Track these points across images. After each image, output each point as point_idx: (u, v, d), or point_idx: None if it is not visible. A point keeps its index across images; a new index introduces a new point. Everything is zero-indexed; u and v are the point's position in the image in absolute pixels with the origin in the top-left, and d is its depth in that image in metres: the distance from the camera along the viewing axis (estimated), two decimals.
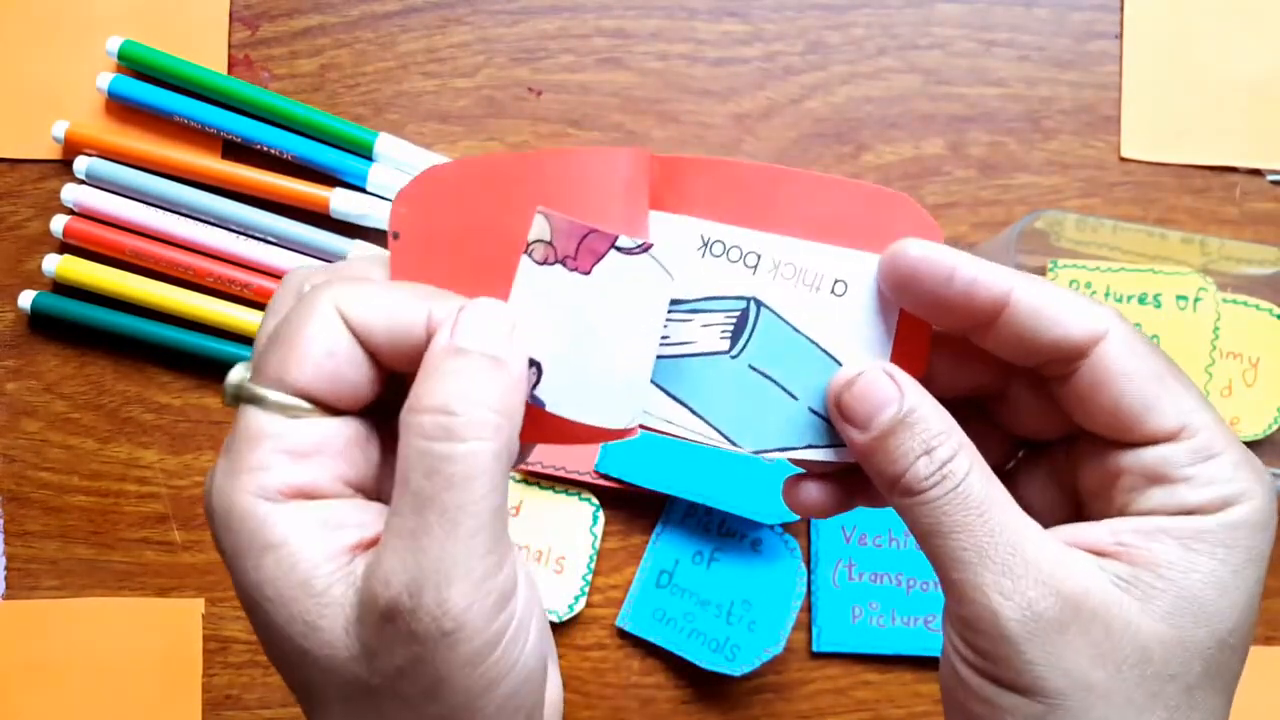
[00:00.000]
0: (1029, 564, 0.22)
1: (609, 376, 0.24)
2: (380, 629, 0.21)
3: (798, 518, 0.46)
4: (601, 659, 0.47)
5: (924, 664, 0.47)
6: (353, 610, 0.22)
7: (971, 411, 0.25)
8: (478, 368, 0.22)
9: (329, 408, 0.23)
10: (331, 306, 0.23)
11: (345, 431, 0.23)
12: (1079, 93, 0.49)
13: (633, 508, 0.48)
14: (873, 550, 0.47)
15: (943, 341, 0.25)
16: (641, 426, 0.25)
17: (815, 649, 0.47)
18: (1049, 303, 0.22)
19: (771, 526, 0.46)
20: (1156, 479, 0.23)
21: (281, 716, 0.47)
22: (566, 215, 0.23)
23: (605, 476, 0.47)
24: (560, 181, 0.24)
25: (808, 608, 0.47)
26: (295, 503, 0.22)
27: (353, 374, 0.23)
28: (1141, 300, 0.45)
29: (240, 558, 0.22)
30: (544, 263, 0.24)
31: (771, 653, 0.45)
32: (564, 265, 0.23)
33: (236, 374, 0.23)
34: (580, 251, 0.23)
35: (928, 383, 0.24)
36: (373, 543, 0.22)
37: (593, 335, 0.24)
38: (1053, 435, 0.25)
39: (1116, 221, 0.44)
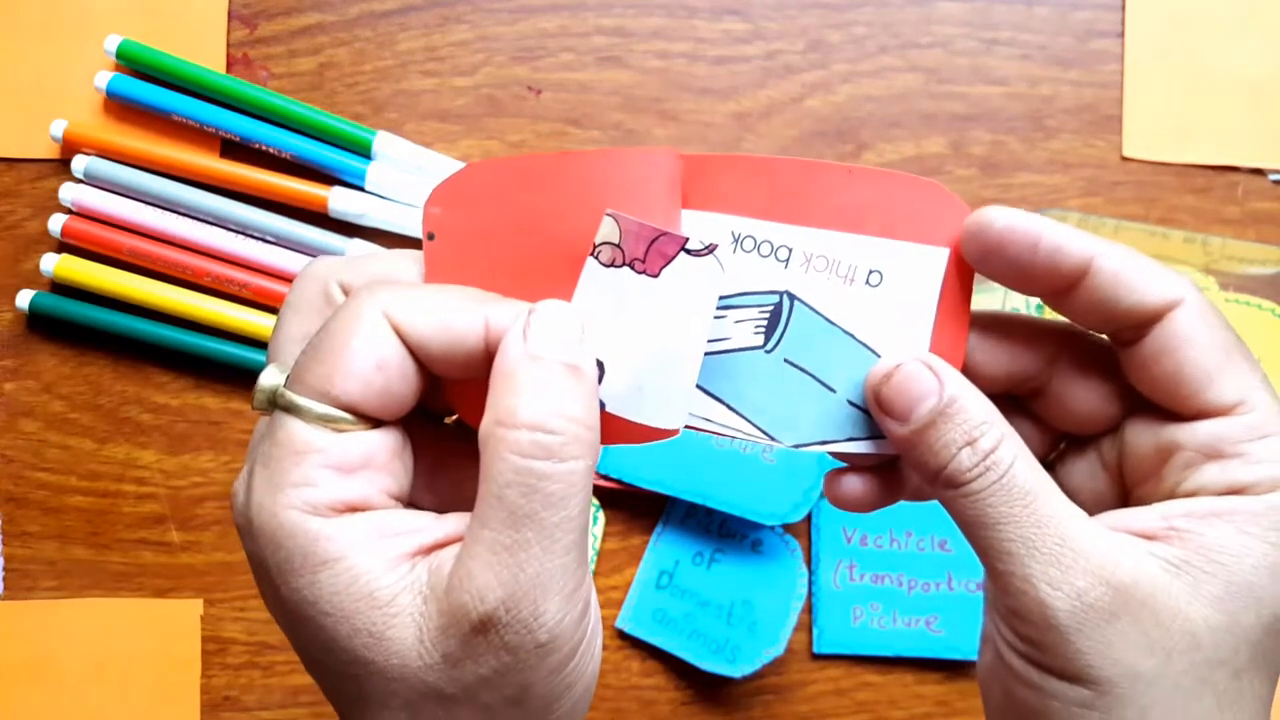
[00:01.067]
0: (1077, 554, 0.21)
1: (663, 376, 0.24)
2: (469, 641, 0.21)
3: (798, 518, 0.46)
4: (602, 659, 0.47)
5: (925, 665, 0.47)
6: (426, 620, 0.21)
7: (1012, 407, 0.25)
8: (561, 378, 0.22)
9: (371, 419, 0.22)
10: (380, 314, 0.22)
11: (388, 443, 0.23)
12: (1080, 92, 0.49)
13: (633, 508, 0.47)
14: (874, 551, 0.46)
15: (982, 331, 0.25)
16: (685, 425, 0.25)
17: (816, 650, 0.46)
18: (1129, 268, 0.22)
19: (772, 527, 0.46)
20: (1211, 454, 0.22)
21: (280, 717, 0.47)
22: (636, 218, 0.23)
23: (605, 477, 0.47)
24: (601, 182, 0.24)
25: (808, 609, 0.47)
26: (346, 516, 0.22)
27: (401, 386, 0.22)
28: None
29: (291, 575, 0.21)
30: (611, 265, 0.23)
31: (772, 654, 0.45)
32: (632, 268, 0.23)
33: (270, 379, 0.23)
34: (650, 254, 0.23)
35: (968, 374, 0.24)
36: (432, 548, 0.22)
37: (650, 335, 0.24)
38: (1097, 428, 0.25)
39: (1118, 221, 0.43)
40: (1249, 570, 0.22)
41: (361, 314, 0.22)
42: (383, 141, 0.47)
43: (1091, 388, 0.24)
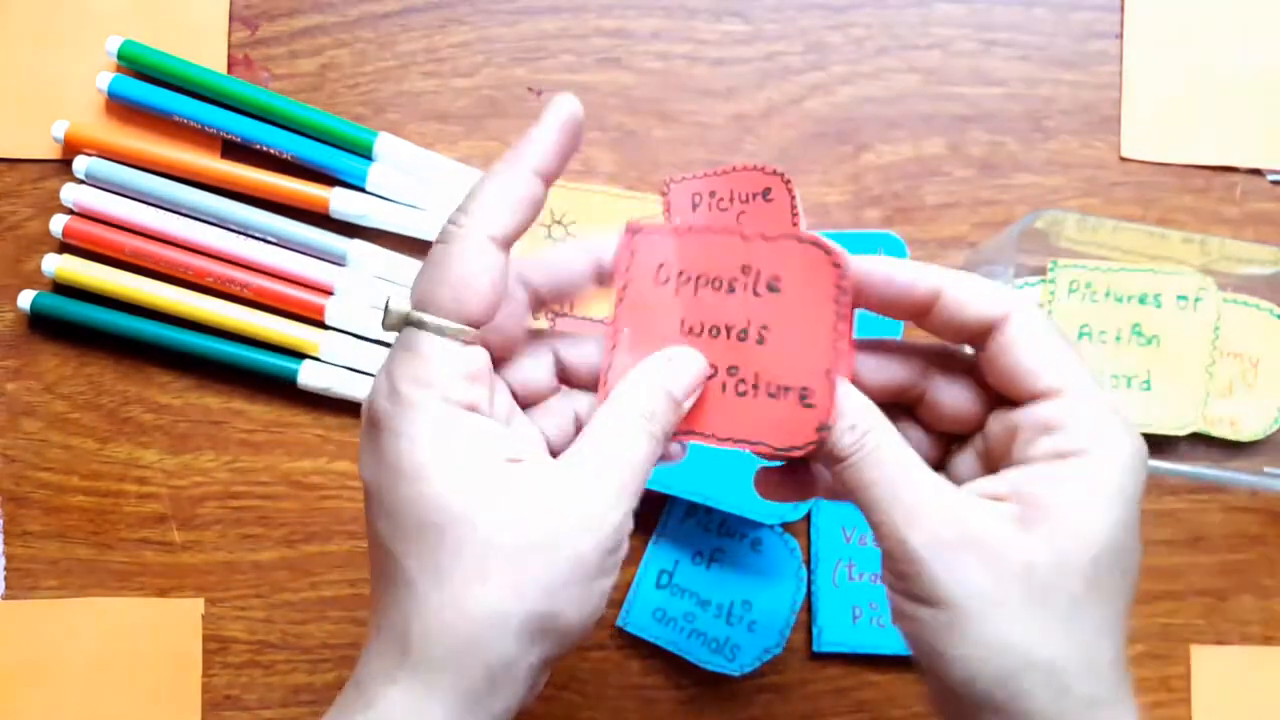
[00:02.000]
0: (934, 504, 0.27)
1: None
2: None
3: (798, 517, 0.46)
4: (602, 659, 0.47)
5: None
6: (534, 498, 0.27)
7: (902, 415, 0.31)
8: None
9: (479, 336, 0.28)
10: (486, 239, 0.27)
11: (487, 361, 0.28)
12: (1079, 93, 0.49)
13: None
14: (873, 551, 0.47)
15: (868, 351, 0.31)
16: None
17: (815, 649, 0.47)
18: (968, 291, 0.28)
19: (771, 526, 0.46)
20: (1042, 429, 0.27)
21: (281, 716, 0.47)
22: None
23: None
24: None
25: (808, 608, 0.47)
26: (469, 413, 0.27)
27: (501, 297, 0.28)
28: (1142, 300, 0.45)
29: (427, 443, 0.26)
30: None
31: (772, 653, 0.45)
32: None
33: (399, 303, 0.28)
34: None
35: (857, 383, 0.29)
36: (516, 452, 0.28)
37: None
38: (969, 426, 0.31)
39: (1117, 221, 0.43)
40: (1068, 513, 0.26)
41: (473, 244, 0.27)
42: (384, 143, 0.47)
43: (958, 392, 0.30)
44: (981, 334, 0.28)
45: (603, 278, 0.32)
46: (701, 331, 0.31)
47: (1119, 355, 0.44)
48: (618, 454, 0.28)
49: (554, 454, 0.30)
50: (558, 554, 0.26)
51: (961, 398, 0.30)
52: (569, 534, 0.27)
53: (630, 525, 0.29)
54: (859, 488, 0.28)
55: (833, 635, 0.46)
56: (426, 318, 0.27)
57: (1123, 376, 0.44)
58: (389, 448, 0.27)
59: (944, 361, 0.31)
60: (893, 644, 0.46)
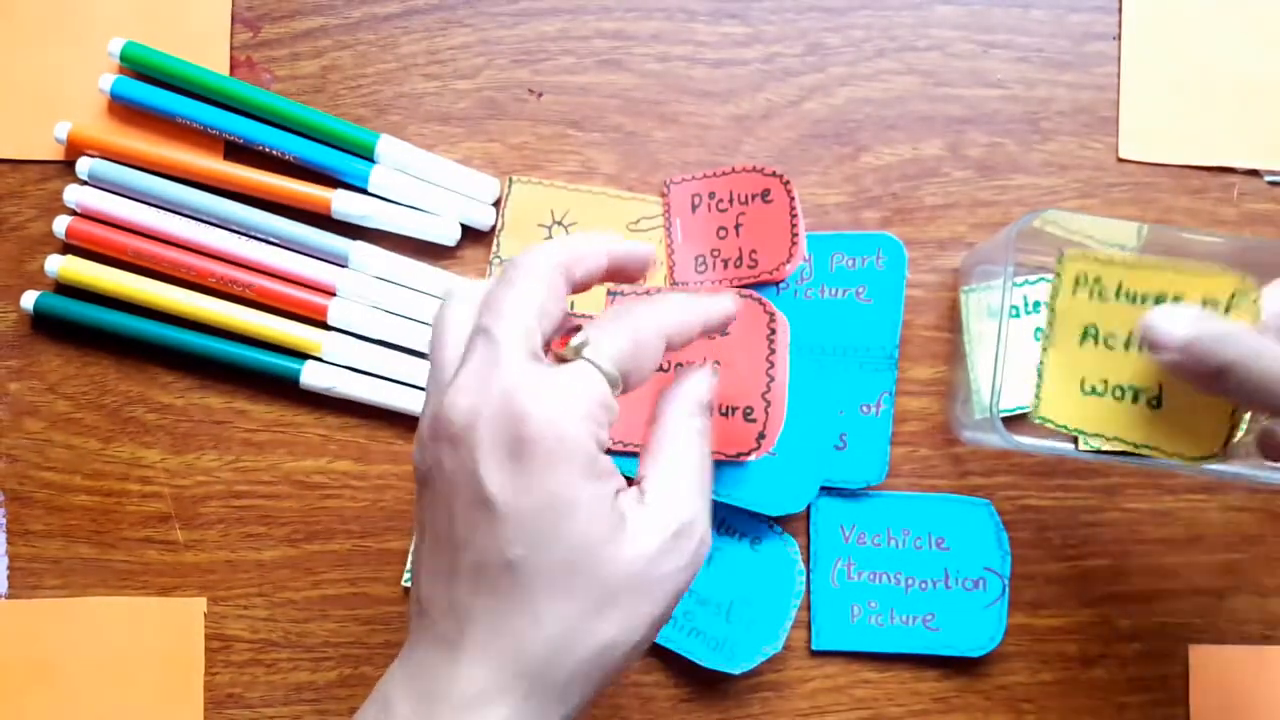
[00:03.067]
0: None
1: None
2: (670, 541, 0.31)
3: (799, 509, 0.46)
4: None
5: (922, 662, 0.47)
6: (636, 525, 0.31)
7: None
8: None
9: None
10: (662, 335, 0.33)
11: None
12: (1077, 94, 0.49)
13: None
14: (871, 549, 0.47)
15: None
16: None
17: (814, 647, 0.47)
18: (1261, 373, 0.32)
19: (771, 525, 0.47)
20: None
21: (283, 714, 0.48)
22: None
23: None
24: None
25: (806, 606, 0.47)
26: (603, 455, 0.30)
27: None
28: (1160, 301, 0.38)
29: (578, 480, 0.29)
30: None
31: (770, 651, 0.45)
32: None
33: (583, 340, 0.31)
34: None
35: None
36: (625, 490, 0.31)
37: None
38: None
39: (1115, 221, 0.44)
40: None
41: (653, 335, 0.32)
42: (386, 144, 0.48)
43: None
44: None
45: (613, 273, 0.34)
46: (669, 367, 0.42)
47: (1126, 365, 0.37)
48: (692, 496, 0.32)
49: None
50: (663, 590, 0.30)
51: None
52: (672, 574, 0.30)
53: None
54: (1254, 386, 0.31)
55: (831, 633, 0.47)
56: (606, 366, 0.31)
57: (1128, 389, 0.38)
58: (544, 477, 0.28)
59: None
60: (891, 642, 0.46)
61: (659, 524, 0.30)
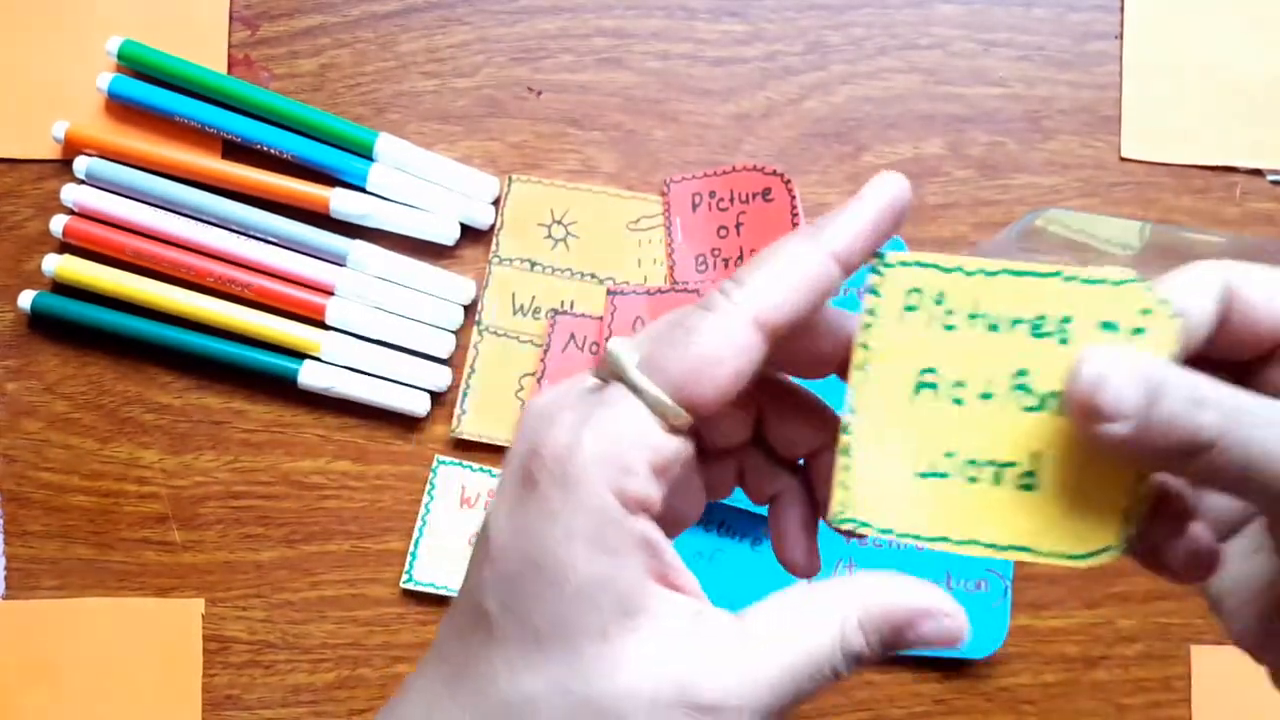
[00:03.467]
0: None
1: None
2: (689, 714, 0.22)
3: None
4: None
5: (924, 664, 0.47)
6: (658, 664, 0.22)
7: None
8: None
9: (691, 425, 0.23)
10: (752, 323, 0.22)
11: (688, 453, 0.23)
12: (1078, 93, 0.49)
13: None
14: (873, 550, 0.47)
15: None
16: None
17: None
18: (1262, 294, 0.22)
19: None
20: None
21: (282, 716, 0.47)
22: None
23: None
24: None
25: None
26: (638, 515, 0.22)
27: (742, 398, 0.23)
28: (1036, 328, 0.23)
29: (575, 541, 0.22)
30: None
31: None
32: None
33: (622, 350, 0.23)
34: None
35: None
36: (675, 583, 0.23)
37: None
38: None
39: (1117, 220, 0.43)
40: None
41: (734, 320, 0.22)
42: (385, 143, 0.47)
43: None
44: None
45: (849, 275, 0.24)
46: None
47: (985, 427, 0.24)
48: (784, 679, 0.22)
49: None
50: None
51: None
52: (671, 700, 0.22)
53: None
54: (1249, 466, 0.20)
55: None
56: (646, 385, 0.22)
57: (988, 465, 0.24)
58: (536, 525, 0.22)
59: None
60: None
61: (702, 676, 0.22)
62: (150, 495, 0.48)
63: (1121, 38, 0.49)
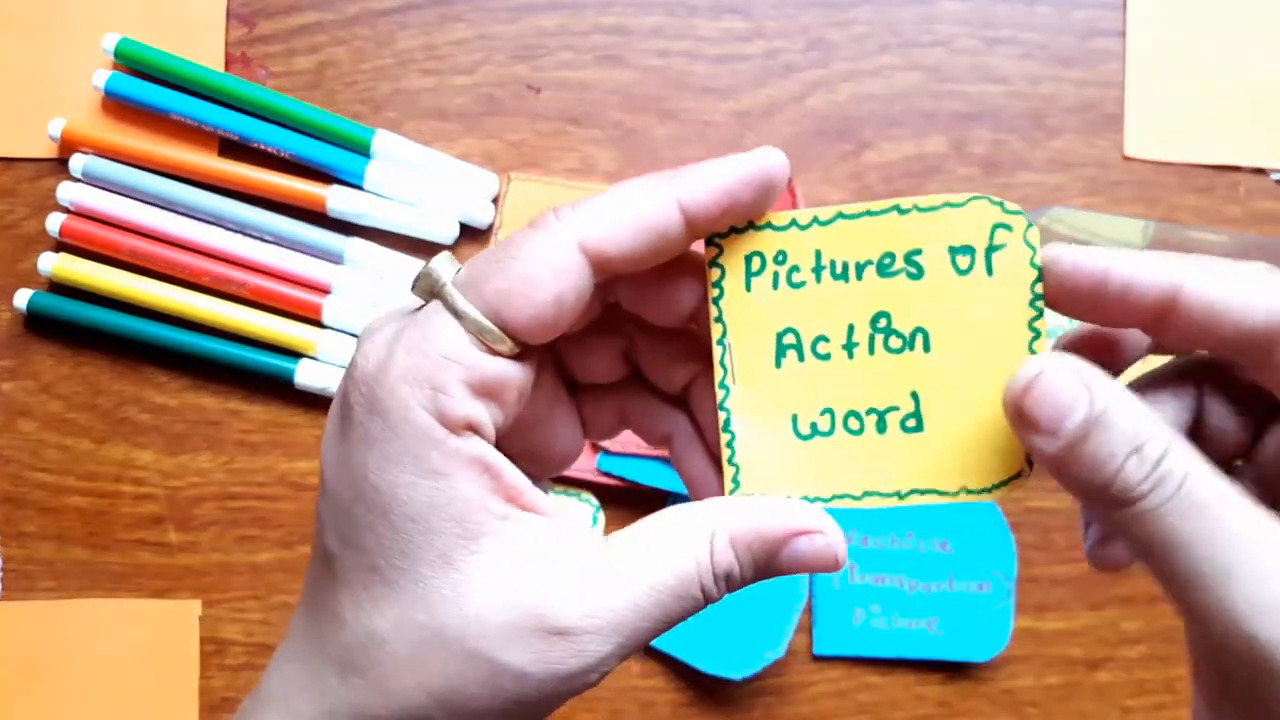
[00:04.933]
0: None
1: None
2: (536, 637, 0.21)
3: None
4: None
5: (926, 667, 0.47)
6: (505, 584, 0.21)
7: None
8: None
9: (518, 348, 0.22)
10: (575, 243, 0.21)
11: (519, 377, 0.22)
12: (1082, 91, 0.48)
13: (633, 506, 0.47)
14: (875, 552, 0.46)
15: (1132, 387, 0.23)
16: None
17: (816, 652, 0.46)
18: (1224, 293, 0.20)
19: None
20: None
21: None
22: None
23: (606, 474, 0.46)
24: None
25: (809, 610, 0.47)
26: (464, 435, 0.21)
27: (567, 320, 0.22)
28: (883, 267, 0.26)
29: (392, 465, 0.21)
30: None
31: (773, 656, 0.45)
32: None
33: (442, 268, 0.22)
34: None
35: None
36: (524, 503, 0.22)
37: None
38: (1240, 449, 0.23)
39: (1120, 218, 0.43)
40: None
41: (559, 242, 0.21)
42: (382, 140, 0.47)
43: (1228, 411, 0.22)
44: (1253, 351, 0.21)
45: (697, 229, 0.22)
46: None
47: (855, 378, 0.23)
48: (644, 604, 0.21)
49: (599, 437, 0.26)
50: (498, 690, 0.21)
51: (1231, 420, 0.23)
52: (518, 675, 0.21)
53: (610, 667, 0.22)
54: (1161, 548, 0.19)
55: (834, 637, 0.46)
56: (460, 303, 0.21)
57: (867, 414, 0.23)
58: (356, 453, 0.21)
59: (1219, 378, 0.23)
60: (894, 647, 0.46)
61: (523, 604, 0.21)
62: (146, 496, 0.48)
63: (1125, 35, 0.49)
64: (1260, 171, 0.48)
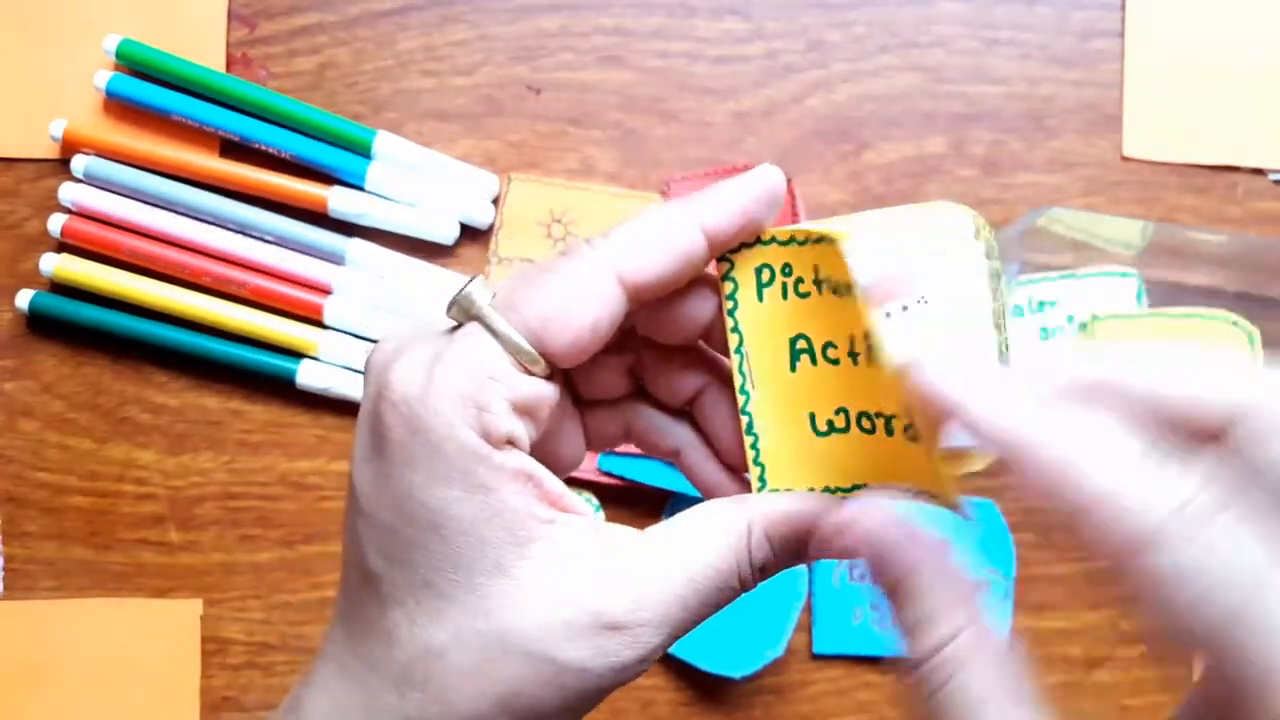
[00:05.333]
0: None
1: None
2: (592, 631, 0.22)
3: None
4: None
5: None
6: (558, 586, 0.22)
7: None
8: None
9: (551, 368, 0.23)
10: (612, 273, 0.22)
11: (552, 396, 0.23)
12: (1081, 91, 0.49)
13: (634, 506, 0.47)
14: None
15: None
16: None
17: (816, 651, 0.46)
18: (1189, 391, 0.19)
19: None
20: None
21: None
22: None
23: (607, 474, 0.46)
24: None
25: (808, 609, 0.47)
26: (507, 450, 0.22)
27: (600, 345, 0.23)
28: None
29: (439, 483, 0.21)
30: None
31: (772, 655, 0.45)
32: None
33: (478, 291, 0.22)
34: None
35: None
36: (564, 505, 0.23)
37: None
38: None
39: (1119, 220, 0.43)
40: None
41: (595, 270, 0.22)
42: (383, 141, 0.47)
43: None
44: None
45: (716, 251, 0.24)
46: None
47: (863, 384, 0.24)
48: (683, 592, 0.23)
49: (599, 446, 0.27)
50: (563, 685, 0.21)
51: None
52: (578, 671, 0.21)
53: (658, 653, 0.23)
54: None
55: (833, 637, 0.46)
56: (501, 325, 0.22)
57: (875, 415, 0.24)
58: (398, 473, 0.22)
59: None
60: (893, 645, 0.46)
61: (603, 593, 0.22)
62: (148, 496, 0.48)
63: (1124, 36, 0.49)
64: (1259, 172, 0.48)
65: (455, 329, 0.23)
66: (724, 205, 0.23)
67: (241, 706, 0.47)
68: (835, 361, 0.24)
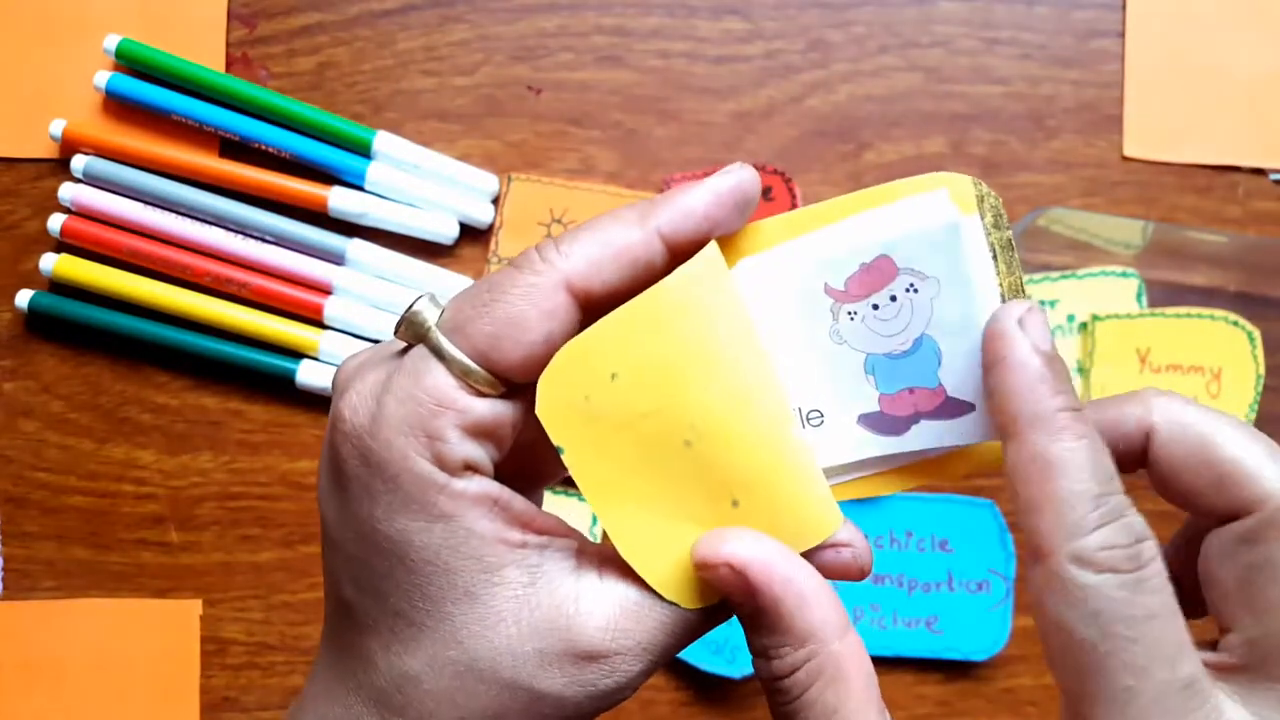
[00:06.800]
0: None
1: None
2: (569, 660, 0.21)
3: None
4: None
5: (926, 666, 0.47)
6: (531, 611, 0.21)
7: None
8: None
9: (507, 386, 0.22)
10: (562, 286, 0.21)
11: (512, 415, 0.22)
12: (1081, 91, 0.49)
13: None
14: (874, 551, 0.46)
15: None
16: None
17: None
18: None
19: None
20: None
21: (280, 718, 0.47)
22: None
23: None
24: None
25: None
26: (466, 476, 0.21)
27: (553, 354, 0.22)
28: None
29: (401, 514, 0.21)
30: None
31: None
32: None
33: (425, 311, 0.22)
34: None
35: None
36: (538, 528, 0.22)
37: None
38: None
39: (1119, 220, 0.43)
40: None
41: (545, 283, 0.21)
42: (383, 141, 0.47)
43: None
44: (1131, 453, 0.23)
45: (679, 256, 0.22)
46: None
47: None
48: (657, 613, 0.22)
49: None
50: (524, 689, 0.21)
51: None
52: (557, 699, 0.21)
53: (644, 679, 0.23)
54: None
55: None
56: (448, 348, 0.21)
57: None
58: (356, 506, 0.21)
59: None
60: (892, 645, 0.46)
61: (552, 629, 0.21)
62: (148, 496, 0.48)
63: (1124, 36, 0.49)
64: (1259, 172, 0.48)
65: (406, 349, 0.22)
66: (685, 211, 0.22)
67: (241, 707, 0.47)
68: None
